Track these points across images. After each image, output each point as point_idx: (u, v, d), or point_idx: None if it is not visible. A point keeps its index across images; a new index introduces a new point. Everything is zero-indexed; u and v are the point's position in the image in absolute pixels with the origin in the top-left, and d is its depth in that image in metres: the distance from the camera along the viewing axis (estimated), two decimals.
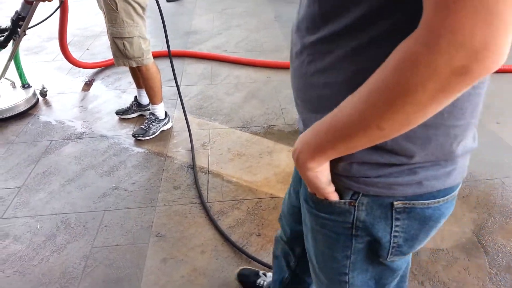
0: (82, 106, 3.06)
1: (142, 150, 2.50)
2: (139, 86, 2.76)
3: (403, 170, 0.63)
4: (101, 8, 2.30)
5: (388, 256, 0.73)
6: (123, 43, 2.28)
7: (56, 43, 4.39)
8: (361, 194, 0.67)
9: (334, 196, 0.69)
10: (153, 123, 2.61)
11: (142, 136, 2.57)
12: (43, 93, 3.15)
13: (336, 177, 0.68)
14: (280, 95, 3.10)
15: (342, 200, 0.69)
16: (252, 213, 1.99)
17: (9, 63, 2.97)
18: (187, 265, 1.74)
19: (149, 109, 2.74)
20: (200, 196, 2.09)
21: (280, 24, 4.73)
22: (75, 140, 2.63)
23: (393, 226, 0.69)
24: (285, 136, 2.60)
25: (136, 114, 2.86)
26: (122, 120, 2.83)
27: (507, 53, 0.43)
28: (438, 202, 0.67)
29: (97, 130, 2.74)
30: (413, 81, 0.45)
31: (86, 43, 4.23)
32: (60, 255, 1.80)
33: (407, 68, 0.45)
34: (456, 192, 0.70)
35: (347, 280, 0.80)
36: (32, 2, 2.58)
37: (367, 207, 0.68)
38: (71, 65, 3.55)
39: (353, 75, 0.56)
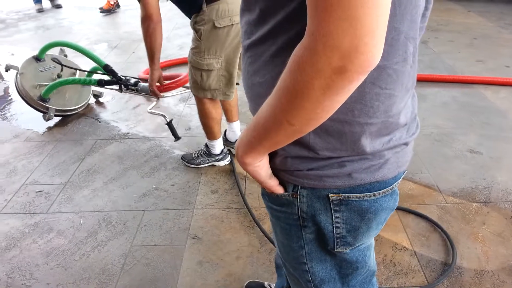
0: (127, 108, 3.16)
1: (183, 153, 2.55)
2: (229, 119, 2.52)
3: (332, 163, 0.68)
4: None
5: (335, 247, 0.78)
6: (201, 74, 2.07)
7: (103, 45, 4.57)
8: (299, 187, 0.72)
9: (278, 189, 0.74)
10: (202, 155, 2.43)
11: (186, 161, 2.45)
12: (99, 95, 3.27)
13: (276, 171, 0.73)
14: None
15: (286, 193, 0.74)
16: None
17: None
18: (223, 270, 1.75)
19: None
20: (244, 202, 2.10)
21: None
22: (119, 140, 2.72)
23: (333, 217, 0.74)
24: None
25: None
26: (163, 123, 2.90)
27: (380, 53, 0.48)
28: (374, 195, 0.71)
29: (140, 131, 2.82)
30: (302, 81, 0.51)
31: (132, 47, 4.37)
32: (100, 252, 1.85)
33: (297, 69, 0.51)
34: (394, 186, 0.74)
35: (307, 270, 0.84)
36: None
37: (307, 199, 0.73)
38: (119, 67, 3.67)
39: (275, 76, 0.58)
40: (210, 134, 2.33)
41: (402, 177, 0.76)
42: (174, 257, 1.81)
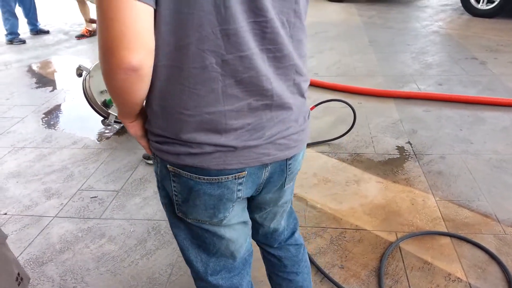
0: None
1: None
2: None
3: (165, 141, 0.84)
4: None
5: (176, 211, 0.94)
6: None
7: None
8: (155, 154, 0.89)
9: (147, 150, 0.94)
10: None
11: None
12: None
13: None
14: (371, 122, 3.02)
15: (152, 155, 0.92)
16: (336, 243, 1.93)
17: None
18: (266, 286, 1.73)
19: None
20: None
21: (374, 48, 4.64)
22: None
23: (172, 185, 0.89)
24: (374, 165, 2.51)
25: None
26: None
27: (136, 52, 0.68)
28: (199, 178, 0.85)
29: None
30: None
31: None
32: (148, 260, 1.90)
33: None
34: (221, 179, 0.85)
35: (171, 228, 1.03)
36: None
37: (160, 164, 0.89)
38: None
39: None
40: None
41: (237, 174, 0.85)
42: None
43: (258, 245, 1.31)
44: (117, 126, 3.16)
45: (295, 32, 0.82)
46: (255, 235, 1.23)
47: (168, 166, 0.86)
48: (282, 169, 0.93)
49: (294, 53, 0.83)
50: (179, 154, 0.83)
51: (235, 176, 0.85)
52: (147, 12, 0.67)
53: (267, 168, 0.89)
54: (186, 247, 1.03)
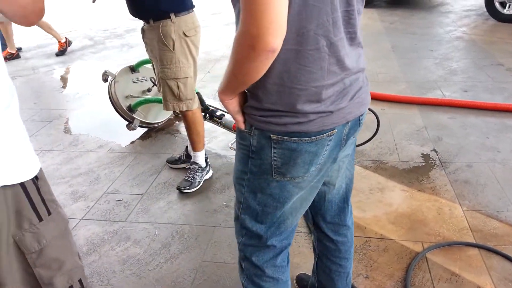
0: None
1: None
2: None
3: (273, 114, 0.97)
4: (152, 56, 2.31)
5: (273, 174, 1.06)
6: (177, 85, 2.20)
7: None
8: (254, 127, 1.01)
9: (242, 125, 1.04)
10: (197, 173, 2.45)
11: (188, 188, 2.41)
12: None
13: (244, 113, 1.03)
14: (394, 129, 2.99)
15: (245, 130, 1.04)
16: (360, 252, 1.91)
17: None
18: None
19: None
20: (308, 226, 2.08)
21: (397, 54, 4.59)
22: None
23: (272, 152, 1.02)
24: (398, 173, 2.48)
25: (184, 165, 2.65)
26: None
27: (277, 38, 0.79)
28: (301, 141, 0.99)
29: (213, 148, 2.91)
30: (235, 50, 0.85)
31: (208, 66, 4.56)
32: (172, 264, 1.92)
33: (234, 42, 0.84)
34: (318, 138, 0.99)
35: (243, 192, 1.14)
36: None
37: (258, 137, 1.02)
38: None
39: None
40: (201, 143, 2.46)
41: (329, 132, 1.00)
42: None
43: (318, 233, 1.42)
44: (138, 132, 3.20)
45: (360, 17, 1.01)
46: (326, 216, 1.36)
47: (271, 135, 0.99)
48: (356, 123, 1.10)
49: (359, 32, 1.01)
50: (286, 124, 0.97)
51: (328, 134, 1.01)
52: (286, 4, 0.79)
53: (348, 124, 1.06)
54: (250, 208, 1.15)
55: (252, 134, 1.03)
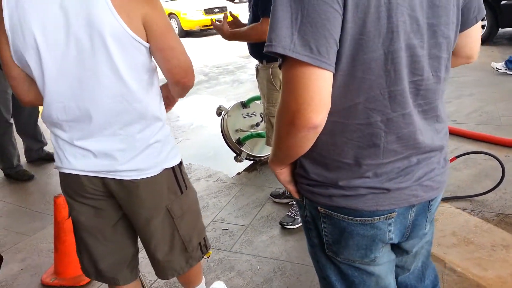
0: None
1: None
2: None
3: (319, 184, 0.91)
4: (262, 94, 2.46)
5: (326, 250, 0.99)
6: None
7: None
8: (304, 197, 0.97)
9: (295, 194, 1.00)
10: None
11: (291, 224, 2.40)
12: None
13: (296, 182, 0.99)
14: None
15: (299, 199, 0.99)
16: None
17: None
18: None
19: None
20: None
21: None
22: None
23: (322, 227, 0.95)
24: None
25: (288, 201, 2.64)
26: None
27: (317, 115, 0.76)
28: (351, 220, 0.89)
29: None
30: (277, 127, 0.85)
31: None
32: None
33: (276, 119, 0.84)
34: (374, 220, 0.89)
35: (320, 268, 1.05)
36: None
37: (309, 206, 0.97)
38: None
39: None
40: None
41: (388, 216, 0.89)
42: None
43: None
44: (244, 164, 3.32)
45: (443, 86, 0.90)
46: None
47: (319, 208, 0.93)
48: (425, 210, 0.97)
49: (439, 103, 0.91)
50: (332, 196, 0.89)
51: (386, 216, 0.90)
52: (330, 78, 0.76)
53: (413, 209, 0.93)
54: (335, 282, 1.05)
55: (304, 203, 0.98)
